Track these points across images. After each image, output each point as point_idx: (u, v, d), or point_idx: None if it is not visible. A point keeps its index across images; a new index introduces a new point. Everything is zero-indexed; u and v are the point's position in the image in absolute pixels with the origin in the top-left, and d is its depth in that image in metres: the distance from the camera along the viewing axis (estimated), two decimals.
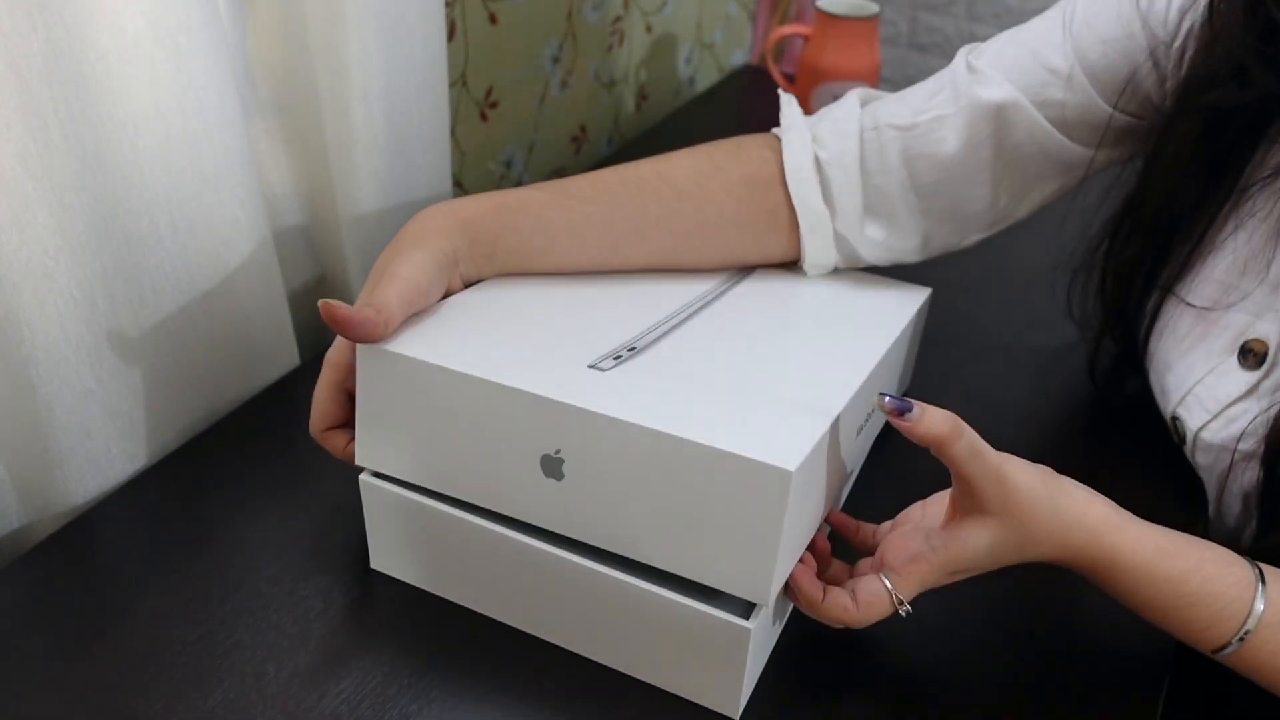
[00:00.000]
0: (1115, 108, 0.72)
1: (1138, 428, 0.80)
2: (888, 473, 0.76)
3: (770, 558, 0.53)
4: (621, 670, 0.61)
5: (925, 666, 0.62)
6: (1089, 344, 0.82)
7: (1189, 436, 0.71)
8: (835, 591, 0.58)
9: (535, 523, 0.58)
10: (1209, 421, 0.69)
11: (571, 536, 0.57)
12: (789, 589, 0.57)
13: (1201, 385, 0.70)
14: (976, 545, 0.57)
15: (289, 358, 0.83)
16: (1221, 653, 0.57)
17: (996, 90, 0.72)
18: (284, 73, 0.81)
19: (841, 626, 0.58)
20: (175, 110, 0.66)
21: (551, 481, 0.56)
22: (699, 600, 0.55)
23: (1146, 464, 0.77)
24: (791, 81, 1.24)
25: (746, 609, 0.55)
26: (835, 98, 1.15)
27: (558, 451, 0.55)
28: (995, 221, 0.78)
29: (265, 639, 0.61)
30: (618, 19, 1.21)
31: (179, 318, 0.73)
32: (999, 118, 0.73)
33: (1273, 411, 0.65)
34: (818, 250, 0.77)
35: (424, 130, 0.86)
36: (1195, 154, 0.69)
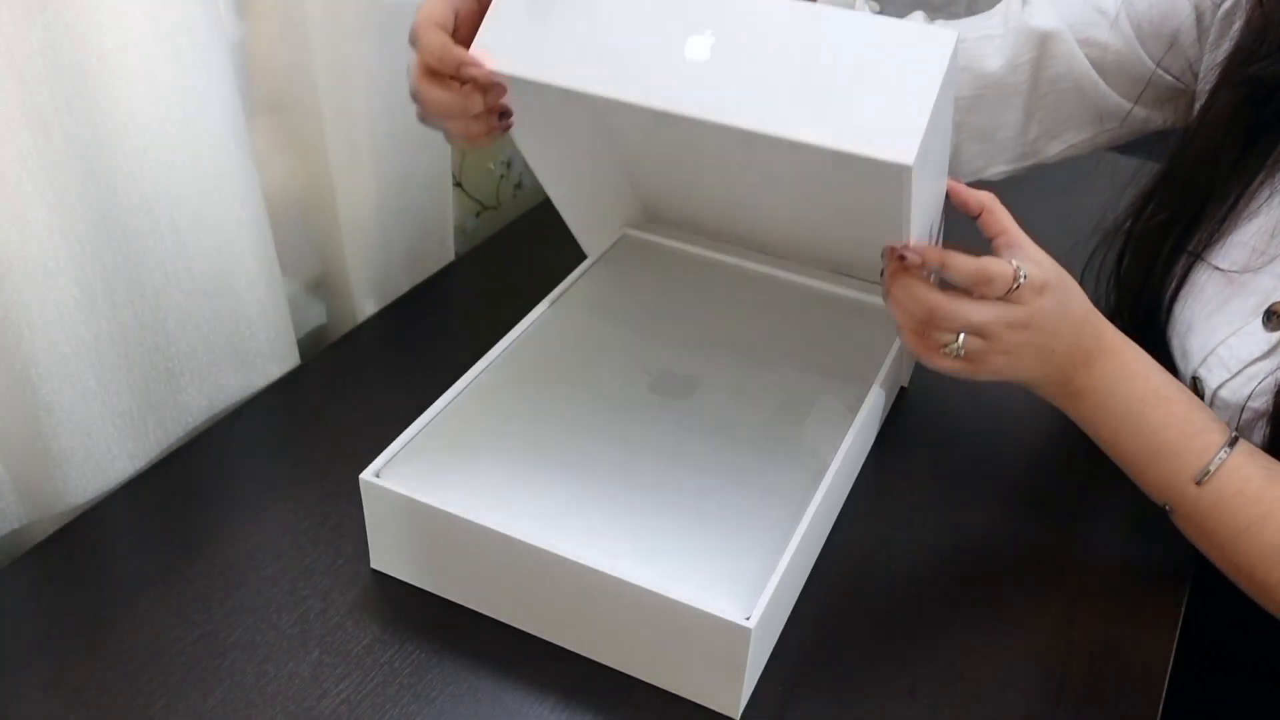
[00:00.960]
0: (1157, 63, 0.75)
1: None
2: (888, 472, 0.76)
3: (922, 115, 0.51)
4: (621, 670, 0.61)
5: (925, 667, 0.62)
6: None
7: (1208, 395, 0.71)
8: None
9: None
10: (1229, 380, 0.70)
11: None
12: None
13: (1224, 346, 0.71)
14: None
15: (289, 358, 0.83)
16: (1178, 489, 0.63)
17: (1044, 19, 0.76)
18: (284, 73, 0.81)
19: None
20: (175, 110, 0.66)
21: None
22: (699, 600, 0.55)
23: None
24: None
25: (747, 609, 0.55)
26: None
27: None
28: (1023, 155, 0.81)
29: (265, 639, 0.61)
30: None
31: (179, 318, 0.73)
32: (1042, 45, 0.76)
33: (1272, 368, 0.66)
34: None
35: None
36: (1234, 123, 0.71)
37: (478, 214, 1.09)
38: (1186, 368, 0.73)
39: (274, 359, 0.81)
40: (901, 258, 0.58)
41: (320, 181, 0.85)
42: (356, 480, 0.63)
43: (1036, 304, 0.61)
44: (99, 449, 0.69)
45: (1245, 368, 0.69)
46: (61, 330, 0.64)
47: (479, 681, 0.60)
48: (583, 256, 0.82)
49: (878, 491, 0.74)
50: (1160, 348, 0.75)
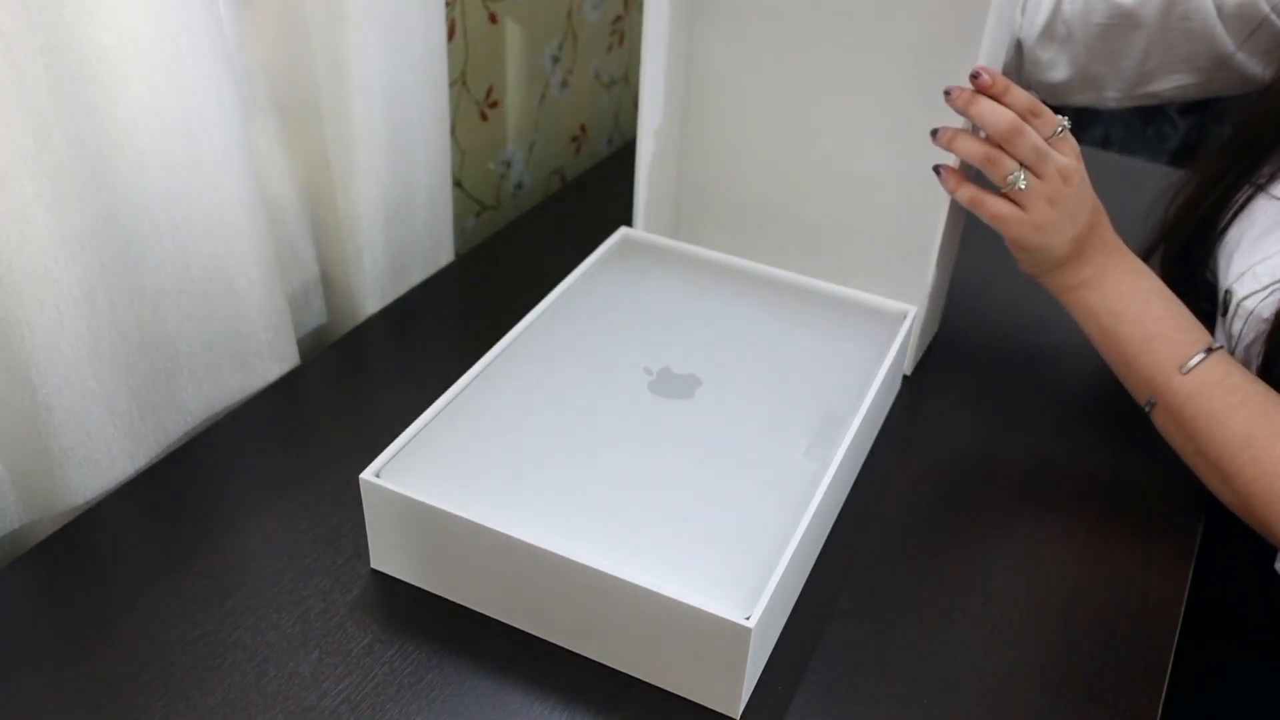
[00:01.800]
0: (1271, 8, 0.81)
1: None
2: (888, 472, 0.76)
3: None
4: (621, 670, 0.61)
5: (925, 667, 0.62)
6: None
7: (1234, 304, 0.75)
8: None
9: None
10: (1255, 291, 0.73)
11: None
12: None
13: (1263, 264, 0.75)
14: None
15: (289, 358, 0.83)
16: (1164, 378, 0.69)
17: None
18: (284, 73, 0.81)
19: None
20: (175, 110, 0.66)
21: None
22: (699, 600, 0.55)
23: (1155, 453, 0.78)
24: None
25: (747, 609, 0.55)
26: None
27: None
28: (1133, 85, 0.91)
29: (265, 639, 0.61)
30: (618, 19, 1.21)
31: (179, 318, 0.73)
32: None
33: None
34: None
35: (424, 130, 0.87)
36: None
37: (478, 214, 1.09)
38: (1224, 283, 0.78)
39: (274, 359, 0.81)
40: (976, 76, 0.68)
41: (320, 181, 0.85)
42: (356, 480, 0.63)
43: (1075, 164, 0.70)
44: (99, 449, 0.69)
45: (1274, 283, 0.73)
46: (61, 330, 0.64)
47: (479, 681, 0.60)
48: (583, 256, 0.82)
49: (878, 491, 0.74)
50: (1189, 276, 0.83)
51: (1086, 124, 1.50)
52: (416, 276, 0.93)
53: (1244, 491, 0.66)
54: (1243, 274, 0.75)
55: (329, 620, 0.63)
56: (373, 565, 0.66)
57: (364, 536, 0.66)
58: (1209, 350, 0.69)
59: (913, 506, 0.73)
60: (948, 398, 0.83)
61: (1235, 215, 0.80)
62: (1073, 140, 0.70)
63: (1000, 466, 0.77)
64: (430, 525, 0.61)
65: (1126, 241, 0.75)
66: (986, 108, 0.69)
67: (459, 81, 0.99)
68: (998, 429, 0.80)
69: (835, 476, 0.64)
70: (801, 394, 0.71)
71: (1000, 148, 0.69)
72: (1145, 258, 0.87)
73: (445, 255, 0.96)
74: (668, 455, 0.65)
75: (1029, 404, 0.83)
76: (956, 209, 0.78)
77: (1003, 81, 0.69)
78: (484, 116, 1.04)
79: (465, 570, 0.62)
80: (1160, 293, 0.72)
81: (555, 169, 1.20)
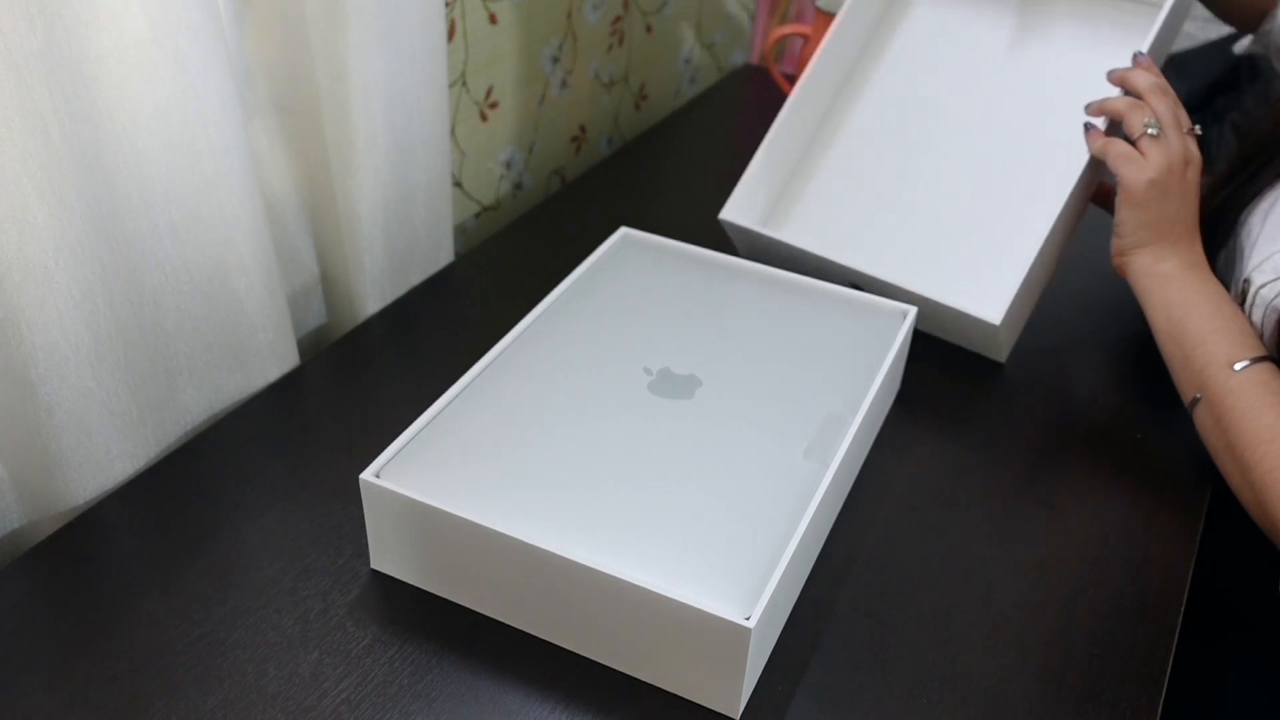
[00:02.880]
0: None
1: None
2: (888, 472, 0.76)
3: None
4: (622, 670, 0.61)
5: (926, 667, 0.62)
6: None
7: (1251, 292, 0.77)
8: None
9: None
10: (1272, 280, 0.75)
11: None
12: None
13: None
14: None
15: (289, 358, 0.83)
16: (1215, 371, 0.70)
17: None
18: (284, 73, 0.81)
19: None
20: (175, 110, 0.66)
21: None
22: (699, 600, 0.55)
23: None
24: (791, 81, 1.23)
25: (747, 609, 0.55)
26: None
27: None
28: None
29: (265, 639, 0.61)
30: (618, 19, 1.21)
31: (179, 318, 0.73)
32: None
33: None
34: None
35: (424, 130, 0.87)
36: None
37: (478, 214, 1.09)
38: (1243, 271, 0.80)
39: (274, 359, 0.81)
40: (1137, 56, 0.79)
41: (320, 181, 0.85)
42: (356, 480, 0.63)
43: (1198, 156, 0.77)
44: (99, 449, 0.69)
45: None
46: (61, 330, 0.64)
47: (479, 681, 0.60)
48: (583, 256, 0.82)
49: (878, 491, 0.74)
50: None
51: None
52: (416, 276, 0.93)
53: (1259, 483, 0.66)
54: (1261, 263, 0.76)
55: (329, 620, 0.63)
56: (373, 565, 0.66)
57: (364, 536, 0.66)
58: (1263, 358, 0.70)
59: (913, 507, 0.73)
60: (947, 398, 0.83)
61: (1257, 201, 0.81)
62: (1197, 147, 0.77)
63: (1001, 464, 0.77)
64: (430, 525, 0.61)
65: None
66: (1140, 73, 0.78)
67: (459, 81, 0.99)
68: (998, 429, 0.80)
69: (835, 476, 0.64)
70: (801, 394, 0.71)
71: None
72: None
73: (445, 255, 0.96)
74: (668, 455, 0.65)
75: (1029, 404, 0.83)
76: (1055, 236, 0.82)
77: (1157, 70, 0.79)
78: (484, 117, 1.04)
79: (465, 570, 0.62)
80: (1230, 302, 0.74)
81: (555, 169, 1.20)
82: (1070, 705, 0.61)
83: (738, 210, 0.92)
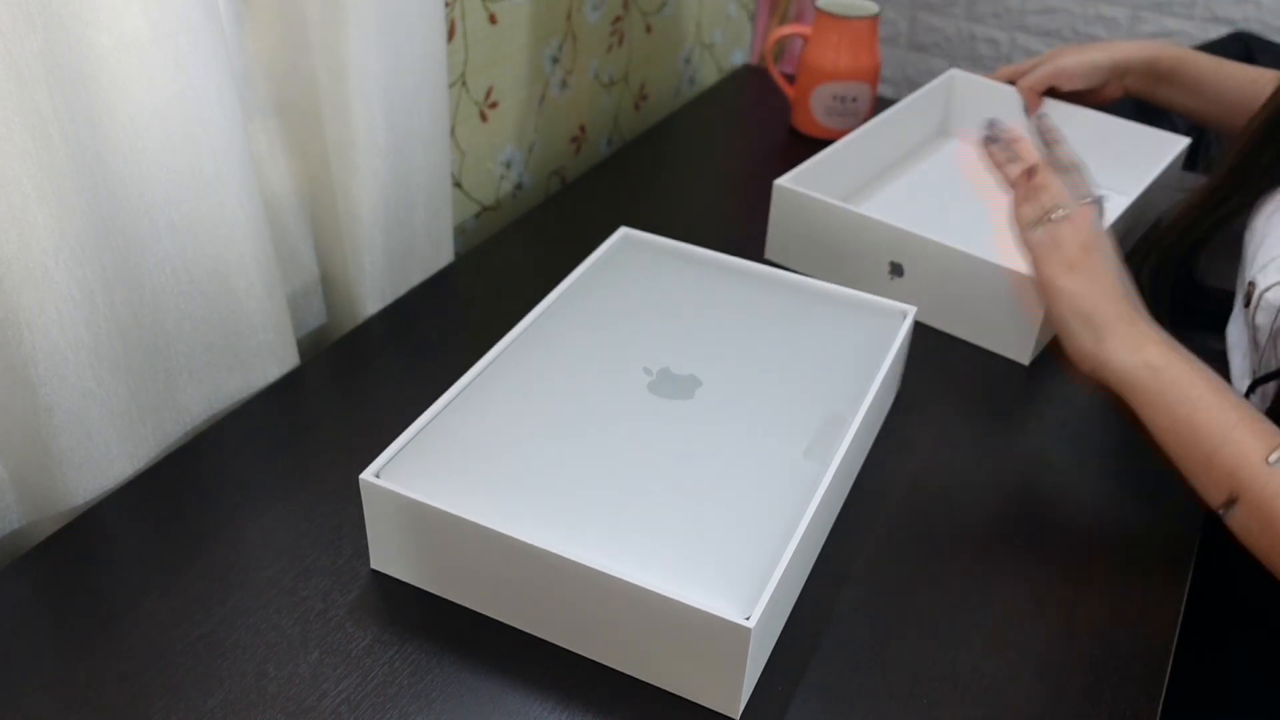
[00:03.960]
0: None
1: None
2: (888, 472, 0.76)
3: None
4: (621, 670, 0.61)
5: (926, 667, 0.62)
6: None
7: (1256, 295, 0.75)
8: None
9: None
10: (1277, 283, 0.73)
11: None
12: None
13: None
14: None
15: (289, 358, 0.83)
16: (1250, 469, 0.61)
17: None
18: (284, 73, 0.81)
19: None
20: (175, 110, 0.66)
21: None
22: (699, 600, 0.55)
23: None
24: (791, 81, 1.24)
25: (747, 609, 0.55)
26: (835, 98, 1.16)
27: None
28: None
29: (265, 639, 0.61)
30: (618, 19, 1.21)
31: (179, 318, 0.73)
32: None
33: None
34: None
35: (424, 130, 0.86)
36: None
37: (478, 214, 1.09)
38: (1248, 273, 0.78)
39: (274, 359, 0.81)
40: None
41: (320, 181, 0.85)
42: (356, 480, 0.63)
43: (1099, 221, 0.71)
44: (98, 449, 0.69)
45: None
46: (61, 330, 0.64)
47: (479, 682, 0.60)
48: (583, 256, 0.82)
49: (878, 491, 0.74)
50: (1187, 277, 0.86)
51: None
52: (416, 277, 0.93)
53: None
54: (1267, 264, 0.76)
55: (329, 620, 0.63)
56: (373, 565, 0.66)
57: (364, 536, 0.66)
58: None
59: (913, 506, 0.73)
60: (946, 398, 0.83)
61: (1258, 208, 0.81)
62: (1098, 206, 0.72)
63: (1001, 464, 0.77)
64: (430, 525, 0.61)
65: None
66: (1065, 149, 0.74)
67: (459, 82, 0.99)
68: (998, 429, 0.80)
69: (835, 476, 0.64)
70: (801, 394, 0.71)
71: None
72: (1144, 258, 0.89)
73: (445, 255, 0.96)
74: (668, 455, 0.65)
75: (1029, 404, 0.83)
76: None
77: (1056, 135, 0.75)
78: (484, 117, 1.04)
79: (465, 570, 0.62)
80: (1222, 381, 0.65)
81: (555, 169, 1.20)
82: (1070, 705, 0.61)
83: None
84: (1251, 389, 0.76)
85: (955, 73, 1.15)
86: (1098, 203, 0.72)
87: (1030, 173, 0.72)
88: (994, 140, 0.74)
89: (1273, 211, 0.80)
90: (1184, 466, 0.65)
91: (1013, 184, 0.73)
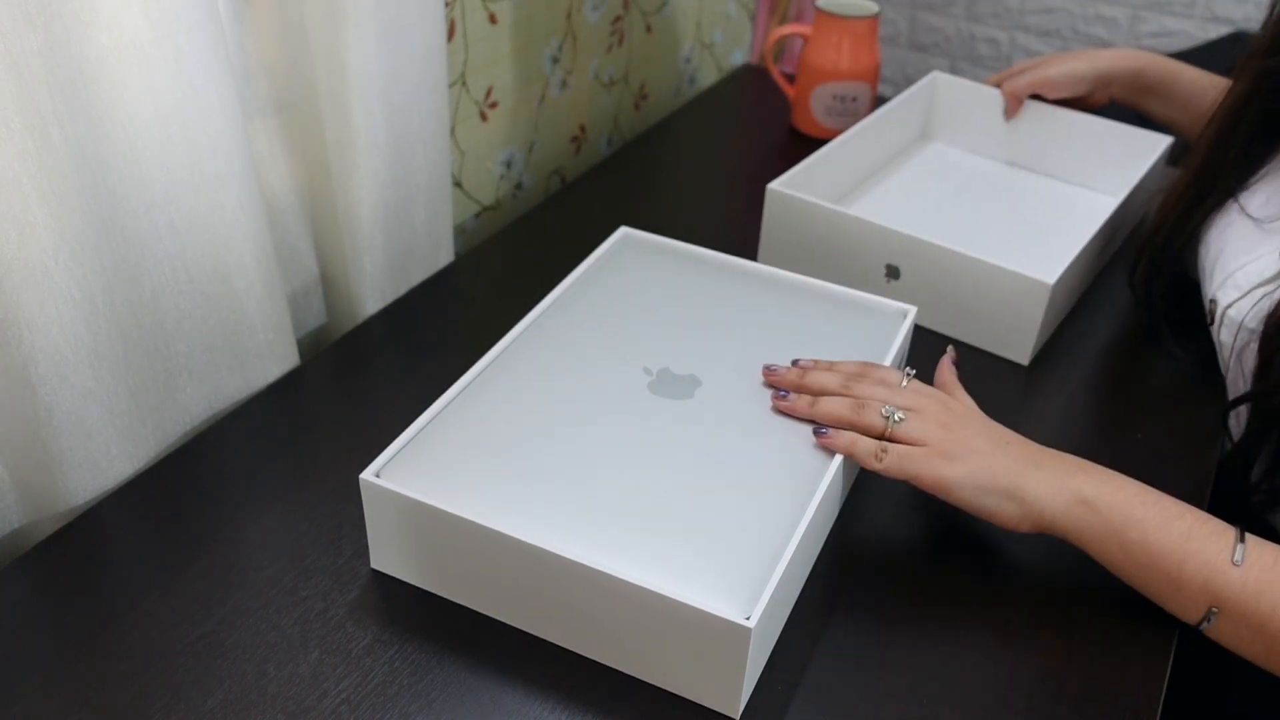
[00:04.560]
0: None
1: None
2: None
3: None
4: (621, 670, 0.61)
5: (925, 668, 0.62)
6: (1133, 258, 0.91)
7: (1219, 312, 0.75)
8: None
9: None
10: (1238, 299, 0.73)
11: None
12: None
13: (1242, 270, 0.74)
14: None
15: (289, 358, 0.83)
16: (1222, 577, 0.59)
17: None
18: (284, 73, 0.81)
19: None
20: (175, 110, 0.66)
21: None
22: (699, 600, 0.55)
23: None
24: (791, 81, 1.24)
25: (747, 609, 0.55)
26: (835, 98, 1.16)
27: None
28: None
29: (265, 639, 0.61)
30: (618, 19, 1.21)
31: (179, 318, 0.73)
32: None
33: (1278, 295, 0.69)
34: None
35: (424, 130, 0.87)
36: (1246, 109, 0.79)
37: (478, 214, 1.09)
38: (1209, 290, 0.78)
39: (274, 359, 0.81)
40: (795, 361, 0.70)
41: (320, 181, 0.85)
42: (356, 480, 0.63)
43: (937, 391, 0.68)
44: (98, 449, 0.69)
45: (1254, 289, 0.72)
46: (61, 330, 0.64)
47: (479, 681, 0.60)
48: (583, 256, 0.82)
49: (878, 491, 0.74)
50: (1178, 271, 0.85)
51: None
52: (416, 276, 0.93)
53: None
54: (1224, 281, 0.76)
55: (329, 620, 0.63)
56: (373, 565, 0.66)
57: (364, 536, 0.66)
58: (1238, 530, 0.61)
59: (913, 506, 0.73)
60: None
61: (1211, 221, 0.81)
62: (921, 383, 0.68)
63: None
64: (430, 525, 0.61)
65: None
66: (820, 373, 0.68)
67: (459, 82, 0.99)
68: None
69: (835, 476, 0.64)
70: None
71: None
72: (1136, 259, 0.89)
73: (445, 255, 0.96)
74: (668, 455, 0.65)
75: (1029, 404, 0.83)
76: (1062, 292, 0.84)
77: (824, 361, 0.70)
78: (484, 117, 1.04)
79: (465, 570, 0.62)
80: (1151, 489, 0.63)
81: (555, 169, 1.20)
82: (1070, 705, 0.61)
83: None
84: (1227, 412, 0.77)
85: (937, 75, 1.14)
86: (909, 376, 0.68)
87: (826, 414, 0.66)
88: (782, 397, 0.68)
89: (1225, 225, 0.80)
90: (1150, 590, 0.62)
91: (832, 425, 0.66)
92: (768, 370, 0.70)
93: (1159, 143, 1.02)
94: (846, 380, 0.68)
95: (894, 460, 0.63)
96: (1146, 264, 0.89)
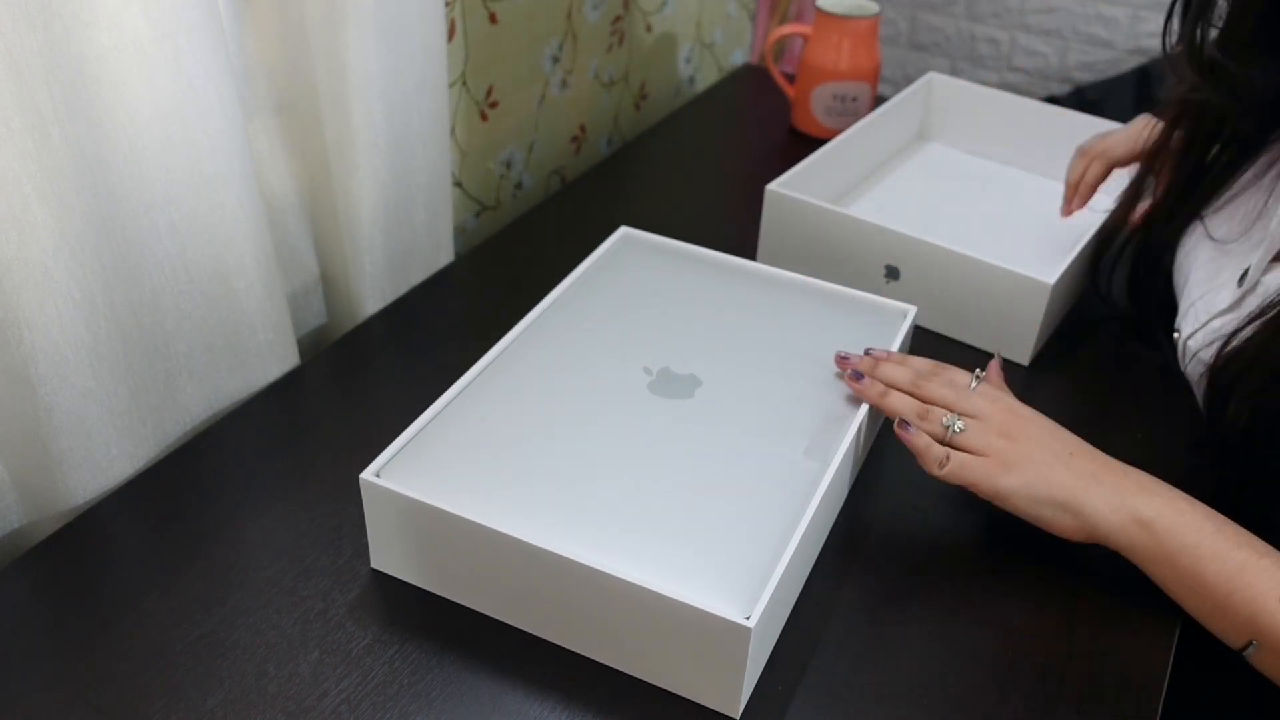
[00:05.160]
0: None
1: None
2: (888, 472, 0.76)
3: None
4: (621, 670, 0.61)
5: (925, 667, 0.62)
6: (1106, 262, 0.90)
7: (1181, 341, 0.74)
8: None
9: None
10: (1196, 331, 0.72)
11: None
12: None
13: (1202, 300, 0.73)
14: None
15: (289, 358, 0.83)
16: (1269, 612, 0.58)
17: None
18: (284, 73, 0.81)
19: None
20: (175, 110, 0.66)
21: None
22: (699, 600, 0.55)
23: None
24: (791, 81, 1.24)
25: (747, 609, 0.55)
26: (835, 98, 1.16)
27: None
28: None
29: (265, 639, 0.61)
30: (618, 19, 1.21)
31: (179, 318, 0.73)
32: None
33: (1230, 326, 0.68)
34: None
35: (424, 130, 0.87)
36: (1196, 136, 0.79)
37: (478, 214, 1.09)
38: (1178, 318, 0.77)
39: (273, 359, 0.81)
40: (868, 351, 0.72)
41: (320, 181, 0.85)
42: (356, 480, 0.63)
43: (1007, 393, 0.69)
44: (98, 449, 0.69)
45: (1210, 320, 0.71)
46: (61, 330, 0.64)
47: (479, 681, 0.60)
48: (583, 256, 0.82)
49: (878, 491, 0.74)
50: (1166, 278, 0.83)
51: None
52: (416, 276, 0.93)
53: None
54: (1186, 311, 0.75)
55: (329, 620, 0.63)
56: (373, 565, 0.66)
57: (364, 536, 0.66)
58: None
59: (913, 506, 0.73)
60: None
61: (1181, 244, 0.80)
62: (990, 387, 0.69)
63: None
64: (430, 525, 0.61)
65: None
66: (891, 366, 0.70)
67: (459, 82, 0.99)
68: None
69: (835, 476, 0.64)
70: (801, 393, 0.71)
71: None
72: (1132, 262, 0.88)
73: (445, 255, 0.96)
74: (668, 455, 0.65)
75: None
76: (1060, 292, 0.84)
77: (896, 354, 0.71)
78: (484, 116, 1.04)
79: (465, 570, 0.62)
80: (1214, 514, 0.62)
81: (555, 169, 1.20)
82: (1070, 705, 0.61)
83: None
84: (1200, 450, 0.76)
85: (933, 76, 1.14)
86: (978, 378, 0.69)
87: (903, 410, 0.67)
88: (856, 378, 0.70)
89: (1191, 247, 0.79)
90: (1196, 615, 0.63)
91: (903, 418, 0.67)
92: (840, 357, 0.72)
93: None
94: (916, 378, 0.69)
95: (954, 469, 0.65)
96: (1139, 266, 0.87)
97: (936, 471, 0.65)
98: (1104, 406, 0.84)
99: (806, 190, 0.93)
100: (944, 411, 0.67)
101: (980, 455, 0.65)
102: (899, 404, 0.68)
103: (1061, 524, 0.64)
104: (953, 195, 1.07)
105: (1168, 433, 0.81)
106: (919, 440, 0.66)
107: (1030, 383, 0.85)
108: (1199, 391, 0.74)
